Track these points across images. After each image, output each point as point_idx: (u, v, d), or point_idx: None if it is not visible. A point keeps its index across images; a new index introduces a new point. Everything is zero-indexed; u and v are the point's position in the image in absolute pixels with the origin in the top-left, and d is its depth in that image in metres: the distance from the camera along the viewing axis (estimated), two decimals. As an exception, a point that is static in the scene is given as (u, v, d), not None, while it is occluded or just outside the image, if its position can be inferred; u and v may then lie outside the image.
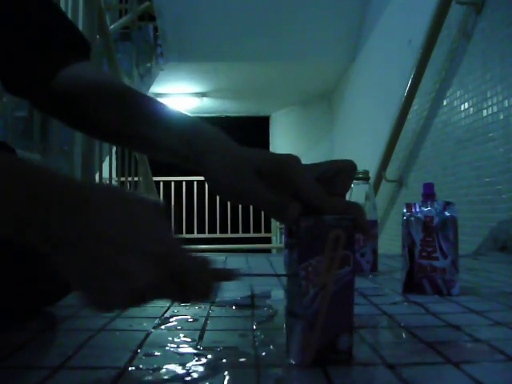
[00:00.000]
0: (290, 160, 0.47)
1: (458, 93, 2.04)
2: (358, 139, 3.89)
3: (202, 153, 0.50)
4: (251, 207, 5.85)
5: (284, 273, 0.51)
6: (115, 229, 0.37)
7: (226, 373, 0.39)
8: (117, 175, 2.61)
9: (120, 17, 3.37)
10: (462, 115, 2.00)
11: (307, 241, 0.42)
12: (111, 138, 0.64)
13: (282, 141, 5.96)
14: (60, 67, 0.59)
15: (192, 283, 0.40)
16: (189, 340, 0.49)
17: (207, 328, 0.54)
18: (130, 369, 0.40)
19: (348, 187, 0.49)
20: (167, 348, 0.46)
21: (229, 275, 0.43)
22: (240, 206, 5.73)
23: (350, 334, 0.42)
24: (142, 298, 0.39)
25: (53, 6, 0.63)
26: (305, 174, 0.46)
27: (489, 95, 1.79)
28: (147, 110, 0.56)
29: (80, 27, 1.88)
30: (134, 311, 0.63)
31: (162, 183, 5.59)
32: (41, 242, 0.37)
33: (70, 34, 0.63)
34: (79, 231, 0.36)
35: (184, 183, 5.73)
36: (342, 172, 0.48)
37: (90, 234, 0.37)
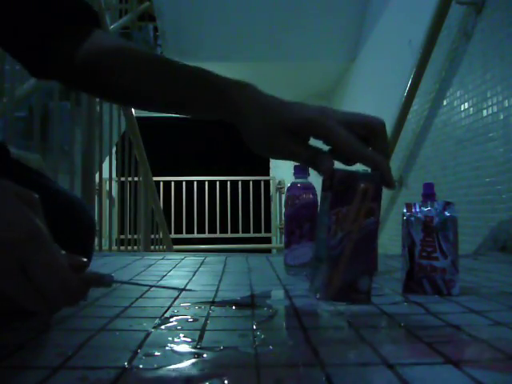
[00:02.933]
0: (321, 119, 0.52)
1: (458, 93, 2.04)
2: (358, 139, 3.89)
3: (240, 113, 0.55)
4: (251, 206, 5.86)
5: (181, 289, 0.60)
6: None
7: (225, 373, 0.39)
8: (117, 175, 2.61)
9: (120, 17, 3.37)
10: (462, 115, 2.00)
11: (340, 190, 0.47)
12: (148, 103, 0.63)
13: (282, 141, 5.94)
14: (80, 41, 0.59)
15: (46, 282, 0.34)
16: (189, 340, 0.49)
17: (207, 328, 0.54)
18: (130, 369, 0.40)
19: (387, 149, 0.52)
20: (167, 348, 0.46)
21: (99, 281, 0.41)
22: (240, 205, 5.73)
23: (369, 276, 0.49)
24: None
25: None
26: (336, 129, 0.50)
27: (489, 95, 1.79)
28: (183, 70, 0.58)
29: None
30: (134, 311, 0.63)
31: (161, 183, 5.59)
32: None
33: (78, 3, 0.63)
34: None
35: (184, 183, 5.73)
36: (375, 135, 0.50)
37: None
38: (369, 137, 0.50)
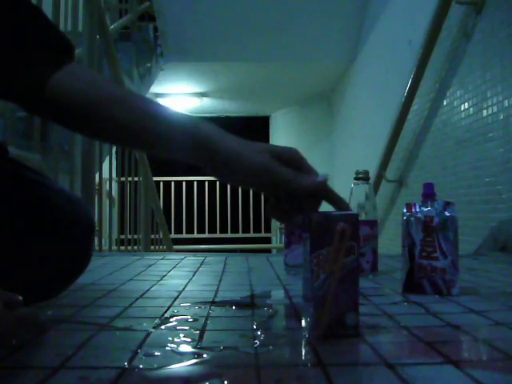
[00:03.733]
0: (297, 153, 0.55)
1: (458, 93, 2.04)
2: (358, 139, 3.89)
3: (216, 141, 0.54)
4: (251, 206, 5.85)
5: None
6: None
7: (225, 373, 0.39)
8: (117, 175, 2.61)
9: (120, 17, 3.38)
10: (462, 115, 2.00)
11: (318, 234, 0.48)
12: (115, 140, 0.64)
13: (282, 141, 5.96)
14: (50, 72, 0.58)
15: None
16: (189, 340, 0.49)
17: (207, 328, 0.54)
18: (130, 369, 0.40)
19: (311, 167, 0.56)
20: (167, 348, 0.46)
21: (33, 320, 0.41)
22: (240, 205, 5.73)
23: (355, 312, 0.49)
24: None
25: (32, 7, 0.61)
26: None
27: (489, 95, 1.79)
28: (150, 110, 0.57)
29: (80, 27, 1.88)
30: (134, 311, 0.63)
31: (162, 183, 5.59)
32: None
33: (53, 35, 0.62)
34: None
35: (184, 183, 5.73)
36: (299, 160, 0.55)
37: None
38: (291, 163, 0.54)
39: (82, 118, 0.59)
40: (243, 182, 0.59)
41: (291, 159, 0.54)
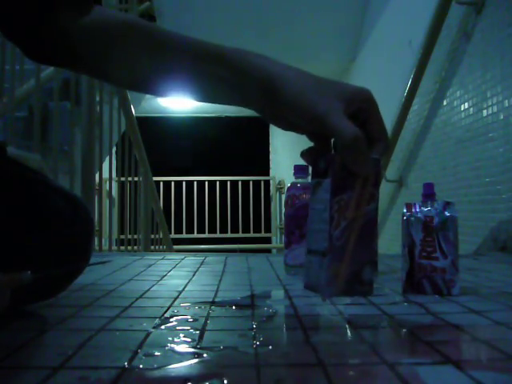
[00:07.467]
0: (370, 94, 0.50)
1: (458, 93, 2.04)
2: (358, 139, 3.89)
3: (276, 77, 0.51)
4: (251, 206, 5.85)
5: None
6: None
7: (225, 373, 0.39)
8: (117, 175, 2.61)
9: (120, 17, 3.36)
10: (462, 115, 2.00)
11: (341, 177, 0.44)
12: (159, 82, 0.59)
13: (282, 141, 5.96)
14: (79, 15, 0.54)
15: None
16: (189, 340, 0.49)
17: (207, 328, 0.54)
18: (130, 369, 0.40)
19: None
20: (167, 348, 0.46)
21: (17, 280, 0.43)
22: (240, 205, 5.72)
23: (372, 265, 0.46)
24: None
25: None
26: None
27: (489, 95, 1.79)
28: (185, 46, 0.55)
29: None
30: (134, 311, 0.63)
31: (162, 183, 5.59)
32: None
33: None
34: None
35: (184, 183, 5.73)
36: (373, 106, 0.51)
37: None
38: (360, 111, 0.49)
39: (113, 60, 0.55)
40: (293, 125, 0.52)
41: (361, 106, 0.49)
